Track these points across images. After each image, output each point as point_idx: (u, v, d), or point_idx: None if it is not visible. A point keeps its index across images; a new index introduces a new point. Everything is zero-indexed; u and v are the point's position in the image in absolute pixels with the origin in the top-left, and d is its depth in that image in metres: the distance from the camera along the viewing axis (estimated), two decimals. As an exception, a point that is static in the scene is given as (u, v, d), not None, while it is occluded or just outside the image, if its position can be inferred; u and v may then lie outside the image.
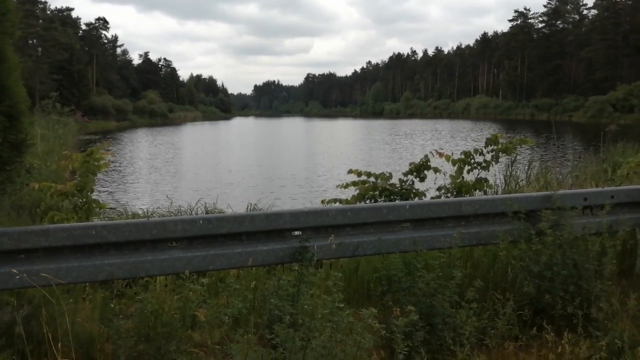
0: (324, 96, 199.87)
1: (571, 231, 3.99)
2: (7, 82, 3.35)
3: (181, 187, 19.23)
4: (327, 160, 28.53)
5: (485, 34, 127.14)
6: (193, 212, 7.14)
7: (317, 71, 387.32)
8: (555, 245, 3.90)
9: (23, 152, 3.63)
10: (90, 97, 75.85)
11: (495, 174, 7.20)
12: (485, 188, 6.08)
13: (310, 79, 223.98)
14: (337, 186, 6.11)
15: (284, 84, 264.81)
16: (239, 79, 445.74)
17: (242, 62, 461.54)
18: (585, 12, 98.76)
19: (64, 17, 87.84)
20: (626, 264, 4.47)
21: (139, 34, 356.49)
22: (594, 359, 3.20)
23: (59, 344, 2.79)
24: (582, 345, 3.26)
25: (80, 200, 5.12)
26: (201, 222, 3.53)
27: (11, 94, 3.38)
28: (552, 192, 4.50)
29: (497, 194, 6.70)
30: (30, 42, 68.68)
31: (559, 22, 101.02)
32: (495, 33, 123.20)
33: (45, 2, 78.30)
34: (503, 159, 6.49)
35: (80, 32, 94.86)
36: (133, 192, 18.41)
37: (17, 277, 3.00)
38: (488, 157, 6.08)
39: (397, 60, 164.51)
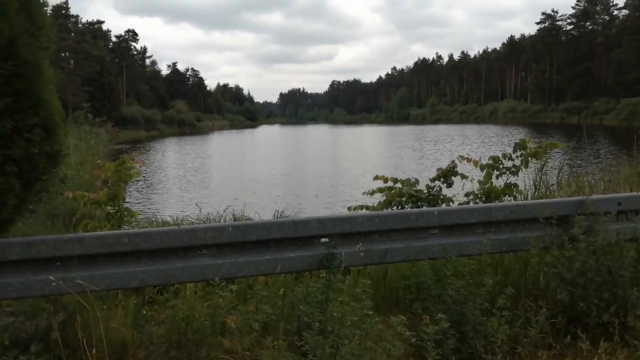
0: (348, 103, 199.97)
1: (605, 237, 3.88)
2: (44, 95, 3.46)
3: (209, 195, 19.46)
4: (353, 168, 28.47)
5: (512, 37, 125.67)
6: (221, 220, 7.22)
7: (342, 78, 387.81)
8: (588, 251, 3.80)
9: (58, 163, 3.74)
10: (121, 107, 77.61)
11: (524, 180, 7.08)
12: (514, 194, 5.97)
13: (334, 86, 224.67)
14: (364, 193, 6.09)
15: (308, 92, 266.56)
16: (264, 87, 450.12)
17: (267, 70, 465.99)
18: (615, 12, 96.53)
19: (95, 30, 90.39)
20: (664, 271, 4.32)
21: (166, 45, 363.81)
22: (632, 368, 3.10)
23: (94, 350, 2.86)
24: (619, 354, 3.17)
25: (113, 208, 5.23)
26: (230, 229, 3.57)
27: (47, 107, 3.50)
28: (584, 197, 4.40)
29: (526, 199, 6.58)
30: (63, 54, 70.76)
31: (588, 23, 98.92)
32: (523, 36, 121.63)
33: (77, 16, 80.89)
34: (532, 163, 6.37)
35: (111, 44, 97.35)
36: (162, 201, 18.72)
37: (54, 284, 3.09)
38: (517, 162, 5.98)
39: (422, 65, 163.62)
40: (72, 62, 72.28)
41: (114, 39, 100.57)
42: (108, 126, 44.22)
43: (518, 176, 6.05)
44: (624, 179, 8.03)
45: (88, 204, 5.39)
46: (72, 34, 74.32)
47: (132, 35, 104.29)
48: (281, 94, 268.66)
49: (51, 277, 3.09)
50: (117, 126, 55.54)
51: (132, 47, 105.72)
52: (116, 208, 5.24)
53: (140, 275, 3.35)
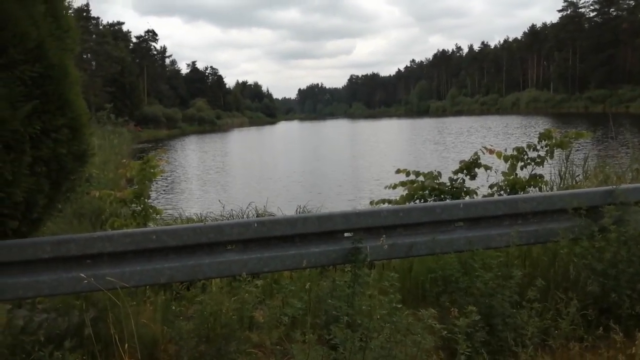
0: (367, 97, 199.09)
1: (636, 227, 3.80)
2: (70, 96, 3.53)
3: (231, 192, 19.61)
4: (374, 163, 28.35)
5: (533, 26, 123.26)
6: (244, 216, 7.27)
7: (360, 72, 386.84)
8: (619, 242, 3.72)
9: (85, 162, 3.81)
10: (142, 107, 78.64)
11: (550, 170, 6.95)
12: (540, 185, 5.88)
13: (353, 80, 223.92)
14: (386, 187, 6.06)
15: (327, 87, 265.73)
16: (283, 83, 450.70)
17: (285, 66, 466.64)
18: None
19: (116, 31, 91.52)
20: (699, 261, 4.21)
21: (185, 44, 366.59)
22: (668, 360, 3.03)
23: (126, 345, 2.91)
24: (654, 345, 3.10)
25: (138, 206, 5.32)
26: (255, 225, 3.60)
27: (73, 107, 3.56)
28: (614, 186, 4.31)
29: (552, 190, 6.47)
30: (85, 56, 71.90)
31: (612, 9, 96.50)
32: (544, 24, 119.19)
33: (98, 18, 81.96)
34: (558, 154, 6.25)
35: (131, 45, 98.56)
36: (186, 198, 18.93)
37: (85, 281, 3.15)
38: (542, 152, 5.88)
39: (441, 57, 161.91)
40: (93, 63, 73.44)
41: (134, 40, 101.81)
42: (130, 125, 44.87)
43: (543, 167, 5.94)
44: (653, 168, 7.83)
45: (114, 203, 5.49)
46: (94, 36, 75.43)
47: (152, 35, 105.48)
48: (300, 90, 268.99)
49: (82, 275, 3.15)
50: (139, 125, 56.26)
51: (152, 47, 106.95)
52: (142, 206, 5.33)
53: (168, 272, 3.40)
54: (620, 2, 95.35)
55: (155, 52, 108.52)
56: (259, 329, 3.24)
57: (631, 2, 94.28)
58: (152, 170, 5.41)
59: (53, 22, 3.46)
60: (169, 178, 23.55)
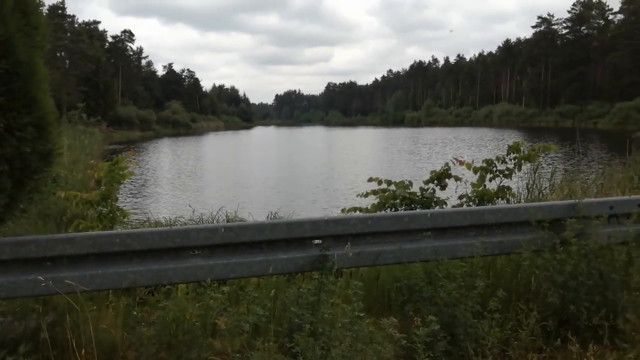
0: (344, 105, 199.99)
1: (597, 240, 3.90)
2: (37, 94, 3.45)
3: (202, 197, 19.42)
4: (348, 170, 28.47)
5: (507, 41, 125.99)
6: (214, 221, 7.20)
7: (338, 80, 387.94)
8: (580, 254, 3.82)
9: (51, 162, 3.72)
10: (116, 107, 77.38)
11: (518, 183, 7.10)
12: (508, 196, 5.99)
13: (330, 88, 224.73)
14: (358, 195, 6.10)
15: (304, 94, 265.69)
16: (260, 89, 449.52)
17: (263, 72, 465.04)
18: (610, 17, 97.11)
19: (91, 30, 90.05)
20: (655, 275, 4.35)
21: (162, 45, 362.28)
22: (622, 371, 3.12)
23: (83, 351, 2.85)
24: (608, 357, 3.19)
25: (105, 208, 5.21)
26: (223, 230, 3.56)
27: (40, 106, 3.48)
28: (577, 200, 4.42)
29: (519, 202, 6.60)
30: (59, 54, 70.50)
31: (583, 27, 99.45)
32: (518, 40, 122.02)
33: (74, 16, 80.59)
34: (526, 167, 6.39)
35: (107, 44, 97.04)
36: (156, 201, 18.66)
37: (43, 284, 3.07)
38: (510, 165, 6.00)
39: (418, 68, 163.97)
40: (67, 61, 72.08)
41: (110, 39, 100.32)
42: (102, 126, 44.03)
43: (511, 179, 6.07)
44: (616, 183, 8.08)
45: (80, 204, 5.38)
46: (68, 34, 74.07)
47: (129, 35, 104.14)
48: (277, 96, 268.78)
49: (40, 277, 3.07)
50: (112, 126, 55.29)
51: (128, 47, 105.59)
52: (108, 208, 5.23)
53: (131, 276, 3.33)
54: (591, 21, 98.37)
55: (131, 53, 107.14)
56: (221, 336, 3.21)
57: (601, 21, 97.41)
58: (121, 172, 5.32)
59: (22, 19, 3.38)
60: (139, 181, 23.17)
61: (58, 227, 6.67)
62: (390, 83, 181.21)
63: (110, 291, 3.79)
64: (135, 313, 3.46)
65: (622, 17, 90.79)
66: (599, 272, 3.76)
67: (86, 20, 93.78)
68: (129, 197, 18.61)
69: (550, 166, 9.95)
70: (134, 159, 5.95)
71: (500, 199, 5.90)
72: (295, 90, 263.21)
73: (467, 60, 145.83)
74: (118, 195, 5.56)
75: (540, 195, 7.34)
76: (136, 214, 9.97)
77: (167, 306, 3.23)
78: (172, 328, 3.14)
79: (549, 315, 3.66)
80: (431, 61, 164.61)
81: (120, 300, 3.71)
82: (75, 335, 3.00)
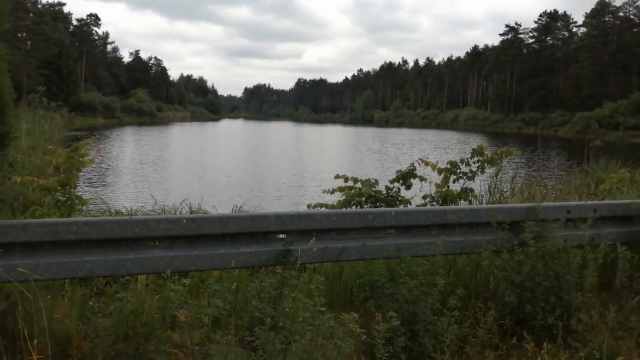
0: (314, 102, 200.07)
1: (554, 243, 4.02)
2: (-8, 73, 3.30)
3: (165, 189, 19.08)
4: (316, 167, 28.50)
5: (475, 47, 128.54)
6: (177, 212, 7.07)
7: (308, 76, 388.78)
8: (537, 256, 3.93)
9: (6, 145, 3.59)
10: (78, 93, 75.18)
11: (480, 185, 7.24)
12: (470, 198, 6.11)
13: (301, 84, 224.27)
14: (324, 191, 6.10)
15: (274, 88, 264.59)
16: (229, 81, 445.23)
17: (233, 64, 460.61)
18: (574, 29, 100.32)
19: (55, 11, 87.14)
20: (607, 277, 4.52)
21: (129, 32, 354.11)
22: (573, 370, 3.22)
23: (35, 341, 2.75)
24: (561, 355, 3.29)
25: (63, 196, 5.05)
26: (184, 221, 3.50)
27: (-4, 86, 3.34)
28: (536, 203, 4.54)
29: (481, 204, 6.74)
30: (20, 35, 67.91)
31: (548, 38, 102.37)
32: (486, 46, 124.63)
33: (37, -4, 77.62)
34: (488, 170, 6.53)
35: (71, 27, 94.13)
36: (117, 191, 18.23)
37: (-6, 271, 2.94)
38: (474, 167, 6.12)
39: (388, 69, 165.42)
40: (29, 43, 69.48)
41: (75, 23, 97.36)
42: (64, 111, 42.63)
43: (474, 181, 6.19)
44: (574, 189, 8.34)
45: (37, 191, 5.18)
46: (31, 14, 71.43)
47: (94, 19, 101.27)
48: (246, 89, 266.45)
49: (-9, 264, 2.94)
50: (74, 112, 53.67)
51: (94, 31, 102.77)
52: (67, 195, 5.06)
53: (88, 265, 3.24)
54: (556, 32, 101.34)
55: (96, 37, 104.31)
56: (181, 328, 3.15)
57: (566, 33, 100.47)
58: (81, 160, 5.16)
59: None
60: (100, 170, 22.59)
61: (13, 213, 6.41)
62: (360, 82, 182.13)
63: (67, 281, 3.67)
64: (91, 304, 3.36)
65: (585, 30, 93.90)
66: (555, 273, 3.88)
67: (50, 1, 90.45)
68: (89, 186, 18.11)
69: (513, 170, 10.19)
70: (95, 146, 5.78)
71: (462, 200, 6.01)
72: (265, 84, 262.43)
73: (436, 63, 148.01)
74: (77, 184, 5.39)
75: (501, 198, 7.52)
76: (96, 203, 9.69)
77: (125, 297, 3.15)
78: (129, 320, 3.06)
79: (506, 314, 3.76)
80: (401, 63, 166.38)
81: (76, 290, 3.60)
82: (28, 325, 2.88)
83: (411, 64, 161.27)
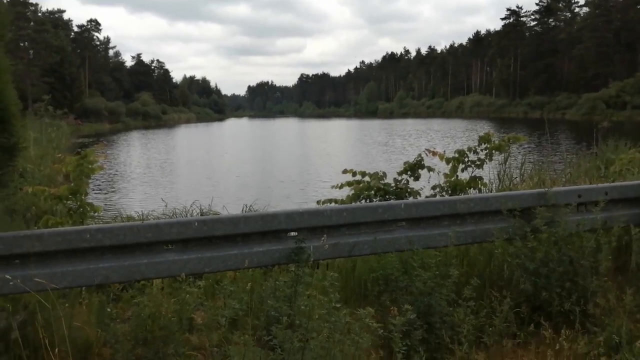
0: (317, 96, 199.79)
1: (566, 228, 4.00)
2: (-1, 86, 3.33)
3: (175, 191, 19.16)
4: (324, 163, 28.47)
5: (477, 33, 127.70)
6: (188, 215, 7.11)
7: (310, 71, 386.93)
8: (550, 242, 3.91)
9: (15, 156, 3.61)
10: (83, 99, 75.55)
11: (489, 172, 7.21)
12: (479, 186, 6.09)
13: (303, 79, 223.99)
14: (332, 187, 6.11)
15: (277, 85, 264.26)
16: (232, 79, 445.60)
17: (235, 62, 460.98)
18: (577, 10, 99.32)
19: (56, 19, 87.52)
20: (621, 260, 4.49)
21: (129, 35, 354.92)
22: (592, 354, 3.21)
23: (56, 349, 2.78)
24: (580, 341, 3.27)
25: (75, 203, 5.09)
26: (196, 224, 3.52)
27: (1, 97, 3.36)
28: (546, 189, 4.52)
29: (491, 192, 6.71)
30: (22, 44, 68.26)
31: (551, 20, 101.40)
32: (488, 31, 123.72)
33: (37, 4, 77.93)
34: (497, 157, 6.50)
35: (72, 34, 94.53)
36: (127, 196, 18.33)
37: (11, 282, 2.97)
38: (482, 155, 6.09)
39: (390, 59, 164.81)
40: (31, 52, 69.86)
41: (75, 29, 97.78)
42: (70, 119, 42.86)
43: (483, 169, 6.16)
44: (584, 172, 8.28)
45: (49, 200, 5.23)
46: (32, 23, 71.72)
47: (95, 25, 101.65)
48: (249, 87, 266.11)
49: (8, 276, 2.98)
50: (80, 119, 53.91)
51: (95, 37, 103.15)
52: (78, 203, 5.10)
53: (103, 272, 3.27)
54: (559, 13, 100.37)
55: (98, 43, 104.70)
56: (198, 331, 3.17)
57: (568, 14, 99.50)
58: (90, 166, 5.20)
59: (-20, 8, 3.25)
60: (109, 176, 22.72)
61: (26, 223, 6.48)
62: (363, 74, 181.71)
63: (83, 288, 3.71)
64: (109, 310, 3.39)
65: (587, 10, 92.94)
66: (569, 258, 3.86)
67: (50, 9, 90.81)
68: (99, 192, 18.23)
69: (522, 156, 10.14)
70: (103, 153, 5.83)
71: (472, 188, 5.99)
72: (267, 82, 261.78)
73: (439, 51, 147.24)
74: (88, 190, 5.44)
75: (511, 184, 7.48)
76: (107, 209, 9.77)
77: (142, 302, 3.18)
78: (147, 324, 3.09)
79: (522, 302, 3.75)
80: (403, 52, 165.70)
81: (93, 297, 3.63)
82: (48, 334, 2.92)
83: (413, 53, 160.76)
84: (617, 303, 3.66)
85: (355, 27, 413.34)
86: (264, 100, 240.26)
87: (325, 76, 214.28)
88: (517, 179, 7.96)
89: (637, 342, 3.21)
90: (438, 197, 5.55)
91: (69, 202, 5.11)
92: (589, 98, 75.00)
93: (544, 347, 3.31)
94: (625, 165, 7.75)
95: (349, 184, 5.91)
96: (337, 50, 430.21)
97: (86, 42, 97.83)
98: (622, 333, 3.29)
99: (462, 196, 4.98)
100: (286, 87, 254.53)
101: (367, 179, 5.84)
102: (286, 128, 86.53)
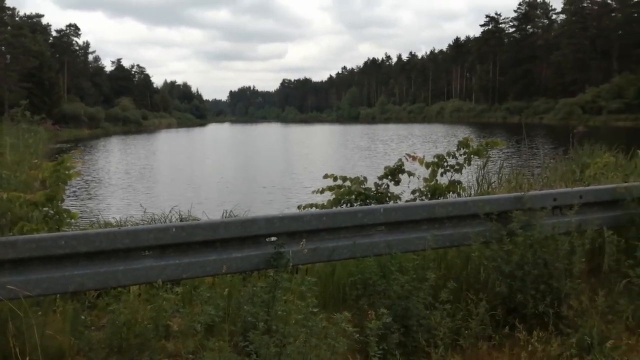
0: (300, 101, 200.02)
1: (541, 231, 4.06)
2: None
3: (154, 197, 18.98)
4: (306, 169, 28.44)
5: (457, 39, 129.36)
6: (167, 221, 7.04)
7: (292, 76, 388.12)
8: (526, 245, 3.97)
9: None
10: (62, 104, 74.48)
11: (468, 177, 7.29)
12: (458, 190, 6.14)
13: (285, 85, 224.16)
14: (313, 191, 6.11)
15: (259, 90, 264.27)
16: (213, 85, 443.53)
17: (216, 67, 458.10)
18: (554, 16, 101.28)
19: (34, 23, 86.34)
20: (595, 262, 4.57)
21: (109, 40, 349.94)
22: (565, 355, 3.27)
23: (27, 358, 2.72)
24: (553, 342, 3.33)
25: (51, 210, 5.01)
26: (174, 230, 3.49)
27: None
28: (522, 193, 4.59)
29: (470, 196, 6.78)
30: (-2, 49, 67.16)
31: (529, 26, 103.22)
32: (468, 38, 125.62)
33: (14, 9, 76.76)
34: (477, 162, 6.58)
35: (51, 39, 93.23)
36: (106, 202, 18.09)
37: (-17, 290, 2.92)
38: (461, 159, 6.16)
39: (371, 65, 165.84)
40: (8, 56, 68.72)
41: (54, 34, 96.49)
42: (48, 124, 42.09)
43: (462, 174, 6.23)
44: (560, 176, 8.42)
45: (24, 206, 5.13)
46: (9, 28, 70.58)
47: (74, 29, 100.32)
48: (231, 92, 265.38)
49: (-21, 284, 2.92)
50: (58, 124, 53.00)
51: (74, 42, 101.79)
52: (54, 210, 5.02)
53: (78, 279, 3.22)
54: (536, 20, 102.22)
55: (77, 48, 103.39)
56: (174, 337, 3.14)
57: (545, 20, 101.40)
58: (67, 172, 5.12)
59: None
60: (86, 182, 22.40)
61: (1, 230, 6.35)
62: (345, 80, 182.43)
63: (58, 296, 3.65)
64: (83, 317, 3.34)
65: (564, 17, 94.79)
66: (543, 261, 3.92)
67: (28, 13, 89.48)
68: (76, 199, 17.95)
69: (501, 161, 10.26)
70: (81, 158, 5.74)
71: (451, 193, 6.04)
72: (249, 87, 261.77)
73: (419, 57, 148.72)
74: (64, 197, 5.35)
75: (489, 188, 7.57)
76: (85, 216, 9.62)
77: (118, 309, 3.14)
78: (123, 331, 3.06)
79: (497, 304, 3.79)
80: (384, 58, 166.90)
81: (67, 304, 3.57)
82: (19, 342, 2.87)
83: (394, 59, 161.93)
84: (590, 305, 3.72)
85: (335, 32, 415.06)
86: (246, 106, 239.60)
87: (307, 81, 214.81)
88: (495, 183, 8.05)
89: (608, 343, 3.28)
90: (417, 202, 5.59)
91: (45, 208, 5.02)
92: (566, 103, 76.43)
93: (518, 348, 3.35)
94: (600, 169, 7.89)
95: (330, 188, 5.91)
96: (318, 56, 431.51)
97: (65, 46, 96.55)
98: (594, 334, 3.35)
99: (440, 200, 5.03)
100: (268, 92, 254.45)
101: (348, 183, 5.86)
102: (268, 133, 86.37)
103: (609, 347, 3.25)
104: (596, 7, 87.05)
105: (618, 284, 4.09)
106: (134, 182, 24.09)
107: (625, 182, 5.42)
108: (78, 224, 6.49)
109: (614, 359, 3.23)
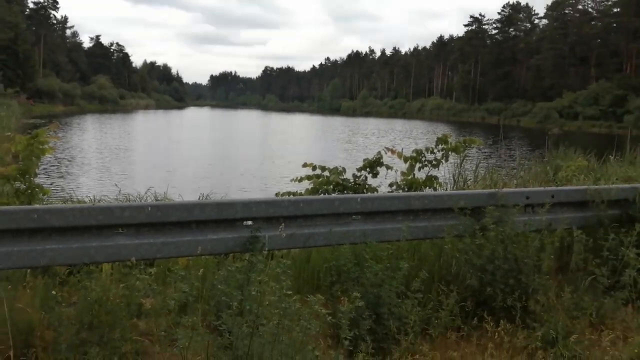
0: (281, 90, 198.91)
1: (513, 227, 4.16)
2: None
3: (130, 178, 18.72)
4: (285, 157, 28.37)
5: (441, 37, 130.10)
6: (142, 201, 6.96)
7: (275, 64, 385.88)
8: (497, 240, 4.06)
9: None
10: (36, 79, 72.63)
11: (445, 173, 7.39)
12: (435, 185, 6.22)
13: (267, 72, 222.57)
14: (292, 180, 6.11)
15: (241, 76, 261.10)
16: (194, 68, 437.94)
17: (198, 51, 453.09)
18: (536, 21, 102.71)
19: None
20: (563, 260, 4.71)
21: (88, 15, 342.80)
22: (530, 348, 3.37)
23: (-5, 331, 2.68)
24: (519, 335, 3.43)
25: (23, 184, 4.90)
26: (149, 209, 3.46)
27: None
28: (496, 189, 4.68)
29: (446, 190, 6.87)
30: (-28, 18, 64.99)
31: (511, 29, 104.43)
32: (451, 37, 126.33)
33: (-10, -23, 74.15)
34: (454, 159, 6.67)
35: (27, 10, 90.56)
36: (78, 182, 17.77)
37: (-49, 260, 2.86)
38: (439, 155, 6.24)
39: (355, 58, 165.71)
40: (-18, 27, 66.52)
41: (31, 5, 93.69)
42: (21, 98, 41.12)
43: (439, 169, 6.31)
44: (534, 176, 8.60)
45: (-5, 179, 5.02)
46: (-17, -3, 68.33)
47: (52, 2, 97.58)
48: (212, 76, 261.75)
49: (-53, 253, 2.85)
50: (32, 99, 51.76)
51: (52, 15, 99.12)
52: (27, 184, 4.92)
53: (50, 254, 3.17)
54: (519, 23, 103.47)
55: (55, 22, 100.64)
56: (147, 316, 3.13)
57: (528, 24, 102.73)
58: (41, 147, 5.01)
59: None
60: (59, 160, 21.94)
61: (-31, 203, 6.19)
62: (328, 71, 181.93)
63: (28, 272, 3.59)
64: (54, 293, 3.29)
65: (546, 22, 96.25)
66: (514, 257, 4.02)
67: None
68: (47, 177, 17.58)
69: (478, 160, 10.41)
70: (56, 134, 5.63)
71: (428, 187, 6.12)
72: (231, 72, 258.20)
73: (403, 53, 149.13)
74: (38, 173, 5.25)
75: (465, 185, 7.68)
76: (56, 194, 9.42)
77: (90, 286, 3.10)
78: (94, 308, 3.02)
79: (467, 297, 3.88)
80: (368, 52, 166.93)
81: (38, 280, 3.52)
82: (-13, 315, 2.82)
83: (378, 53, 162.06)
84: (557, 300, 3.84)
85: (320, 23, 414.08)
86: (227, 91, 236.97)
87: (289, 70, 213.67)
88: (471, 180, 8.18)
89: (572, 337, 3.39)
90: (394, 193, 5.65)
91: (17, 182, 4.91)
92: (543, 107, 77.80)
93: (485, 339, 3.45)
94: (572, 171, 8.08)
95: (308, 177, 5.93)
96: (302, 45, 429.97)
97: (42, 20, 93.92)
98: (558, 328, 3.46)
99: (417, 193, 5.10)
100: (250, 79, 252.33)
101: (326, 173, 5.88)
102: (248, 120, 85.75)
103: (572, 342, 3.36)
104: (577, 15, 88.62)
105: (584, 281, 4.22)
106: (108, 163, 23.70)
107: (596, 185, 5.58)
108: (50, 201, 6.38)
109: (577, 352, 3.35)
